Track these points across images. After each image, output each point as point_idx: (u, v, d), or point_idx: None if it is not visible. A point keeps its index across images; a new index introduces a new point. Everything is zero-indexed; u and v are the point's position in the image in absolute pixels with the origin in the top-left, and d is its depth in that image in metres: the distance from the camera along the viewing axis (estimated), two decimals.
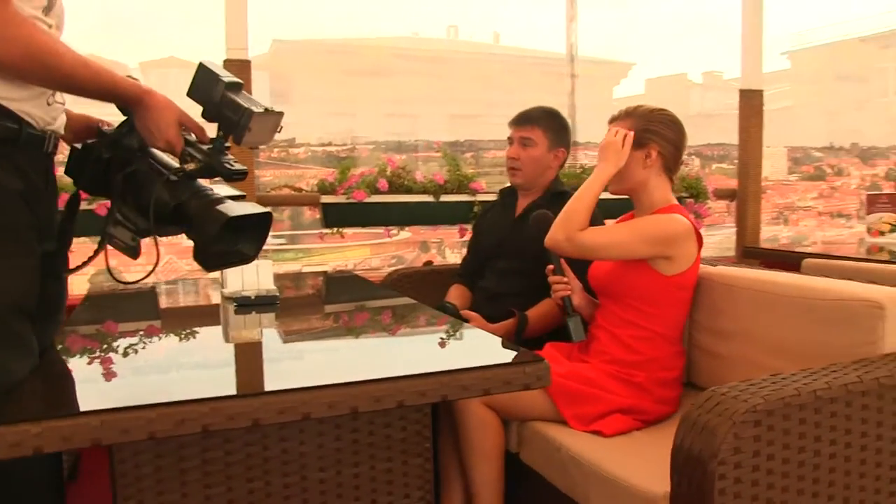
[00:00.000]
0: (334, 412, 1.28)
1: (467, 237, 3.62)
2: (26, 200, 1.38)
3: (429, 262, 3.66)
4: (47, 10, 1.43)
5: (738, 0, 4.08)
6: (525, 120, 2.63)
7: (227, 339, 1.83)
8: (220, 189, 1.52)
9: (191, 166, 1.47)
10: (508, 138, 2.68)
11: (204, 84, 1.46)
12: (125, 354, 1.58)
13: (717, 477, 1.32)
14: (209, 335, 1.91)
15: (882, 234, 3.68)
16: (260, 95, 1.56)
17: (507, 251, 2.62)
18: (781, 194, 6.56)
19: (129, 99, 1.44)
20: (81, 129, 1.62)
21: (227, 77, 1.47)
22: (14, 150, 1.35)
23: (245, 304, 2.06)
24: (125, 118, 1.51)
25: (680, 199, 3.46)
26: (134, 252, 1.49)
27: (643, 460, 1.73)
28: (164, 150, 1.49)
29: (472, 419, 1.98)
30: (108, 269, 1.46)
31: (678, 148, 2.18)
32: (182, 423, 1.19)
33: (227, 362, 1.60)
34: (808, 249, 3.61)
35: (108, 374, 1.46)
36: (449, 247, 4.60)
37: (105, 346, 1.68)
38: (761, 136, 4.09)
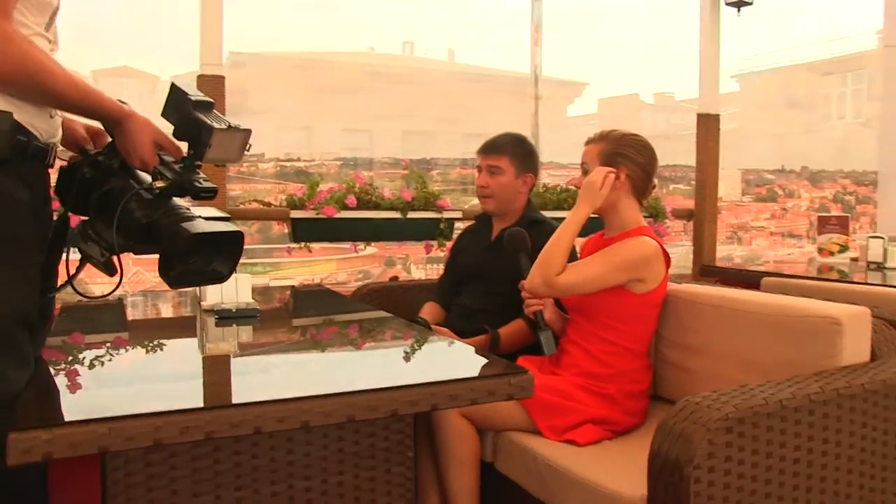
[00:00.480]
0: (331, 420, 1.34)
1: (433, 253, 3.71)
2: (33, 212, 1.41)
3: (395, 278, 3.73)
4: (48, 26, 1.47)
5: (690, 24, 4.24)
6: (492, 149, 2.72)
7: (214, 351, 1.87)
8: (202, 210, 1.55)
9: (159, 183, 1.52)
10: (477, 166, 2.77)
11: (175, 103, 1.51)
12: (102, 365, 1.61)
13: (692, 481, 1.41)
14: (193, 347, 1.95)
15: (832, 254, 3.85)
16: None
17: (483, 273, 2.71)
18: (735, 215, 6.79)
19: (112, 120, 1.49)
20: (70, 142, 1.66)
21: (196, 96, 1.52)
22: (22, 162, 1.38)
23: (225, 317, 2.10)
24: (111, 140, 1.55)
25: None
26: (108, 268, 1.52)
27: (617, 467, 1.82)
28: (140, 169, 1.53)
29: (450, 429, 2.05)
30: (71, 284, 1.50)
31: (647, 172, 2.28)
32: (186, 430, 1.24)
33: (221, 373, 1.65)
34: (762, 268, 3.76)
35: (100, 384, 1.49)
36: (414, 262, 4.67)
37: (83, 357, 1.71)
38: (717, 158, 4.25)
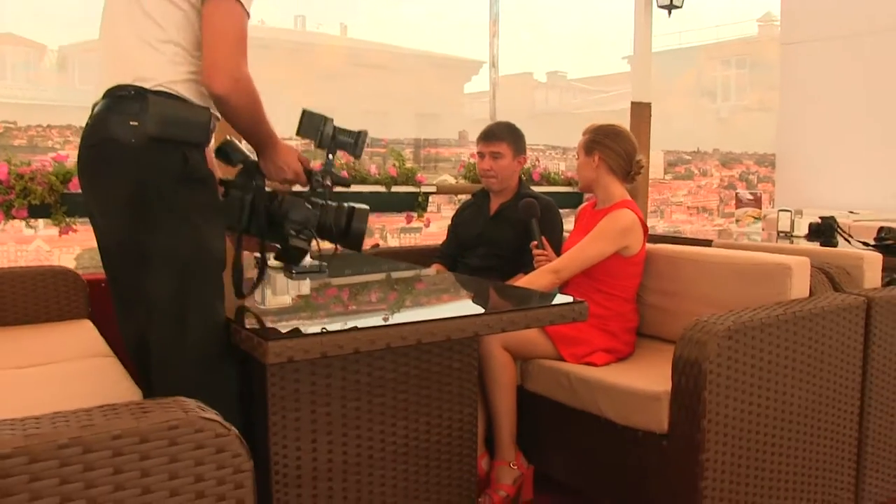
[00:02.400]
0: (462, 334, 1.89)
1: (414, 223, 4.27)
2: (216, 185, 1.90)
3: (375, 245, 4.27)
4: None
5: (577, 1, 4.94)
6: (493, 137, 3.29)
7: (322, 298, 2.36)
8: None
9: (327, 182, 2.04)
10: (478, 152, 3.33)
11: (312, 124, 1.98)
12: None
13: (708, 373, 2.04)
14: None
15: (747, 224, 4.62)
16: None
17: (486, 240, 3.29)
18: (658, 191, 7.62)
19: (270, 144, 1.93)
20: None
21: (328, 115, 2.03)
22: (206, 147, 1.87)
23: (301, 272, 2.58)
24: (241, 169, 1.98)
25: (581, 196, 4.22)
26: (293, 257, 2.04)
27: (635, 376, 2.45)
28: (290, 181, 2.02)
29: (494, 360, 2.64)
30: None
31: (618, 153, 2.89)
32: (372, 342, 1.76)
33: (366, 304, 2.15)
34: (688, 237, 4.47)
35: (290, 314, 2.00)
36: (390, 232, 5.19)
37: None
38: (649, 142, 4.95)
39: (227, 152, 1.97)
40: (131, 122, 1.74)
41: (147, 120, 1.73)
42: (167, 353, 1.78)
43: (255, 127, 1.88)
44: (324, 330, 1.72)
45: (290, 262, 2.05)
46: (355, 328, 1.76)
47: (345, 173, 3.76)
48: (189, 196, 1.79)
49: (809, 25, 6.62)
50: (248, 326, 1.77)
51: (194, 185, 1.80)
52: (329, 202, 2.06)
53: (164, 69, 1.78)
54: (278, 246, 2.04)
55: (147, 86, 1.76)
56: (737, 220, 4.71)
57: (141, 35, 1.79)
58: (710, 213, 7.77)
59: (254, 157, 1.98)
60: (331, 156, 2.04)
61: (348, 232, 2.04)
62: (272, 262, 2.10)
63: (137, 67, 1.79)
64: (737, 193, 4.85)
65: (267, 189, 2.01)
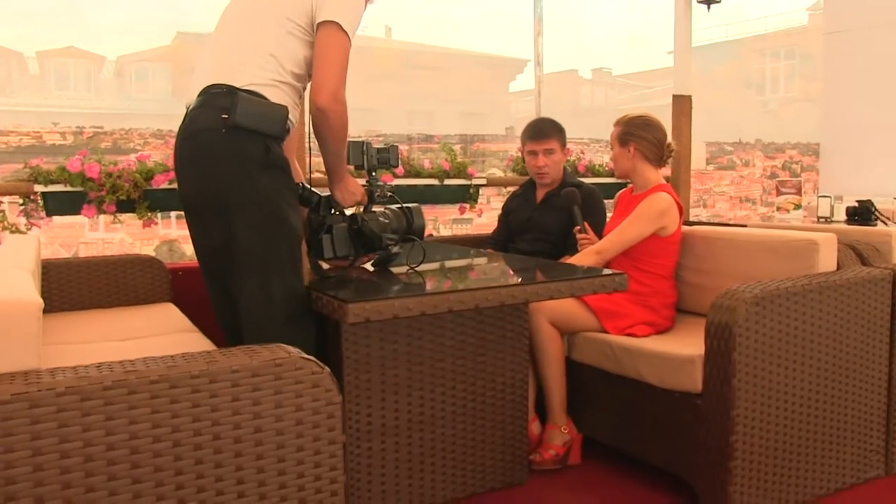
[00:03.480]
0: (514, 300, 2.14)
1: (466, 214, 4.53)
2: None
3: (429, 236, 4.53)
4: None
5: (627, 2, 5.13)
6: (544, 135, 3.53)
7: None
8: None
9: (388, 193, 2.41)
10: (530, 151, 3.56)
11: (357, 151, 2.34)
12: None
13: (737, 336, 2.27)
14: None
15: (788, 211, 4.79)
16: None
17: (534, 226, 3.54)
18: (701, 181, 7.79)
19: (341, 175, 2.29)
20: None
21: (365, 139, 2.40)
22: (283, 140, 2.16)
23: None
24: (319, 199, 2.31)
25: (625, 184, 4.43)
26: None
27: (672, 344, 2.68)
28: (356, 204, 2.36)
29: (542, 333, 2.90)
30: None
31: (651, 142, 3.12)
32: (435, 305, 2.03)
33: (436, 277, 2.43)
34: (732, 223, 4.68)
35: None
36: (442, 223, 5.47)
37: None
38: (690, 133, 5.12)
39: (302, 194, 2.29)
40: (222, 115, 2.04)
41: (236, 113, 2.03)
42: (256, 313, 2.07)
43: (339, 146, 2.19)
44: (394, 295, 1.99)
45: (386, 264, 2.37)
46: (422, 293, 2.03)
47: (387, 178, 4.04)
48: (271, 179, 2.09)
49: (853, 14, 6.70)
50: (327, 292, 2.05)
51: (275, 170, 2.11)
52: (388, 209, 2.42)
53: (254, 73, 2.09)
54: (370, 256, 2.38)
55: (237, 85, 2.07)
56: (777, 208, 4.89)
57: (246, 44, 2.11)
58: (754, 203, 7.92)
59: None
60: (374, 173, 2.40)
61: (411, 229, 2.42)
62: (369, 267, 2.43)
63: (232, 69, 2.10)
64: (777, 182, 5.02)
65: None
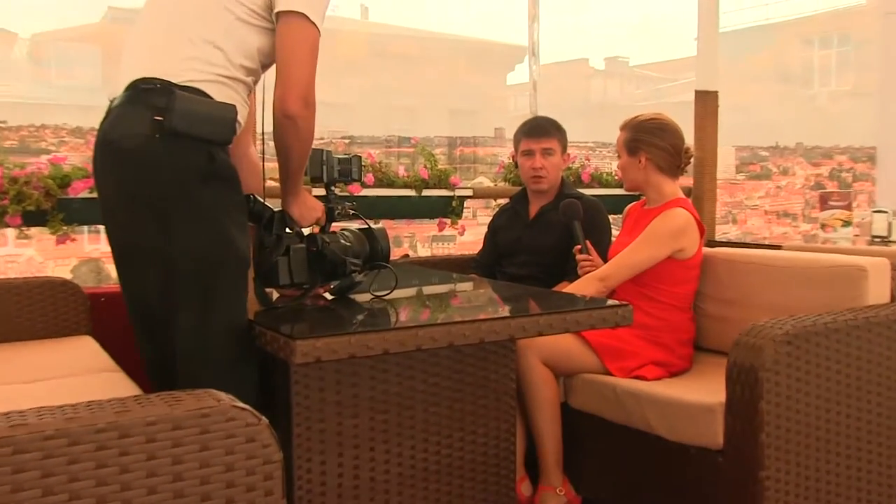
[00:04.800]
0: (498, 337, 2.12)
1: (447, 230, 4.53)
2: None
3: (405, 256, 4.52)
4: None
5: None
6: (543, 133, 3.56)
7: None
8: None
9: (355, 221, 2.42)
10: (524, 151, 3.58)
11: (315, 160, 2.33)
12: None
13: (764, 381, 2.26)
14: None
15: (835, 229, 4.80)
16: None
17: (525, 248, 3.55)
18: (730, 193, 7.81)
19: (297, 190, 2.27)
20: None
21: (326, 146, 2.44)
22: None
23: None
24: (272, 214, 2.28)
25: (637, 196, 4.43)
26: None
27: (688, 388, 2.68)
28: (314, 224, 2.35)
29: (534, 374, 2.90)
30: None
31: (665, 150, 3.13)
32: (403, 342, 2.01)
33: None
34: (766, 243, 4.68)
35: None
36: (420, 241, 5.46)
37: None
38: (716, 136, 5.11)
39: (252, 208, 2.27)
40: (156, 118, 2.00)
41: (173, 115, 1.99)
42: (190, 351, 2.04)
43: (304, 157, 2.19)
44: (352, 330, 1.97)
45: (347, 294, 2.37)
46: (384, 329, 2.00)
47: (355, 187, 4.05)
48: (214, 196, 2.06)
49: None
50: (272, 327, 2.02)
51: (220, 184, 2.08)
52: (346, 230, 2.43)
53: (195, 66, 2.06)
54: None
55: (175, 80, 2.04)
56: (822, 225, 4.89)
57: (183, 31, 2.09)
58: (794, 218, 7.92)
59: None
60: (332, 187, 2.40)
61: (375, 253, 2.41)
62: (327, 296, 2.41)
63: (168, 61, 2.07)
64: (822, 193, 5.03)
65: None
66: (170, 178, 2.01)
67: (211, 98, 2.06)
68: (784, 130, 8.37)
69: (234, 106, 2.11)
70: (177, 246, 2.01)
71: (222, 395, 1.60)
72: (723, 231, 6.70)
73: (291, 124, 2.09)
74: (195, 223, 2.02)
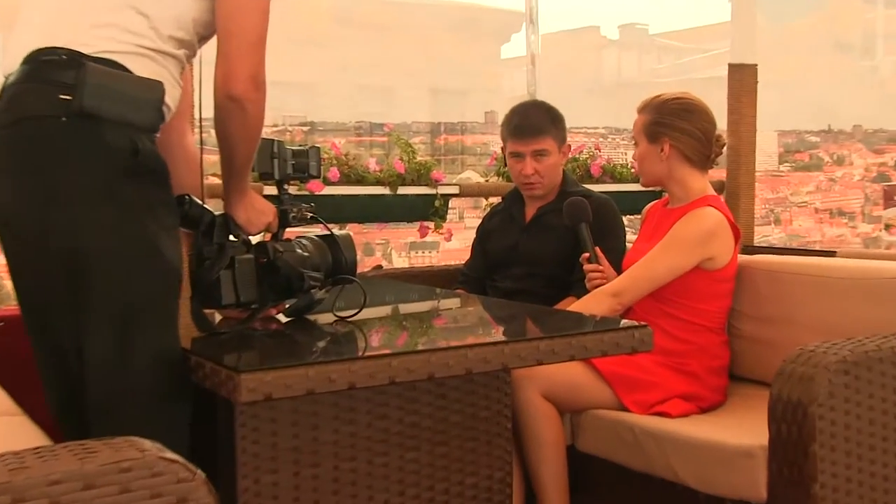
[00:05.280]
0: (489, 367, 2.08)
1: (430, 236, 4.50)
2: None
3: (378, 267, 4.49)
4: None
5: None
6: (534, 132, 3.51)
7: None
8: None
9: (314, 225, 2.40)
10: (513, 153, 3.54)
11: (265, 153, 2.30)
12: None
13: (817, 419, 2.23)
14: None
15: None
16: None
17: (522, 258, 3.52)
18: (771, 188, 7.75)
19: (242, 189, 2.24)
20: None
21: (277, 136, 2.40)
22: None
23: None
24: (213, 219, 2.23)
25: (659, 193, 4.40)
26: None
27: (723, 427, 2.66)
28: (264, 230, 2.32)
29: (534, 411, 2.86)
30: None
31: (694, 136, 3.10)
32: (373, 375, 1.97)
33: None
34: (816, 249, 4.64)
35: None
36: (396, 249, 5.42)
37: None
38: (755, 118, 5.08)
39: (187, 212, 2.23)
40: (61, 96, 1.93)
41: (83, 93, 1.93)
42: (106, 386, 1.98)
43: (251, 148, 2.17)
44: (311, 359, 1.93)
45: (304, 314, 2.34)
46: (350, 357, 1.96)
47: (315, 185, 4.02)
48: (137, 194, 1.99)
49: None
50: (212, 357, 1.97)
51: (144, 179, 2.01)
52: (304, 237, 2.41)
53: (112, 35, 2.00)
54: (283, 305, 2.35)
55: (86, 51, 1.99)
56: (886, 226, 4.87)
57: None
58: (851, 218, 7.86)
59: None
60: (286, 185, 2.38)
61: (339, 266, 2.39)
62: (281, 317, 2.38)
63: (77, 28, 2.01)
64: (886, 188, 5.00)
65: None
66: (80, 172, 1.95)
67: (130, 73, 2.02)
68: (838, 110, 8.24)
69: (161, 83, 2.05)
70: (89, 256, 1.95)
71: (147, 443, 1.55)
72: (763, 234, 6.65)
73: (237, 109, 2.05)
74: (112, 228, 1.96)
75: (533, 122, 3.54)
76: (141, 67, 2.03)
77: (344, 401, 2.26)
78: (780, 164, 8.16)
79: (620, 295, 2.95)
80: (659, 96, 3.16)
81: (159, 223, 2.04)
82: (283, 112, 5.67)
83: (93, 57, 1.97)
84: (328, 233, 2.42)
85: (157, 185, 2.06)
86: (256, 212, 2.29)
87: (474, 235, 3.85)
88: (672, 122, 3.08)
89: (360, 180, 4.28)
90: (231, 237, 2.26)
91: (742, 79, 5.03)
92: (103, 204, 1.96)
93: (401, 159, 4.37)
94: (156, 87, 2.04)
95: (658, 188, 3.23)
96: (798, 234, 7.60)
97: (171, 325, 2.07)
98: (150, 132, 2.06)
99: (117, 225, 1.97)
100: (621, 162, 5.01)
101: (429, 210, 4.40)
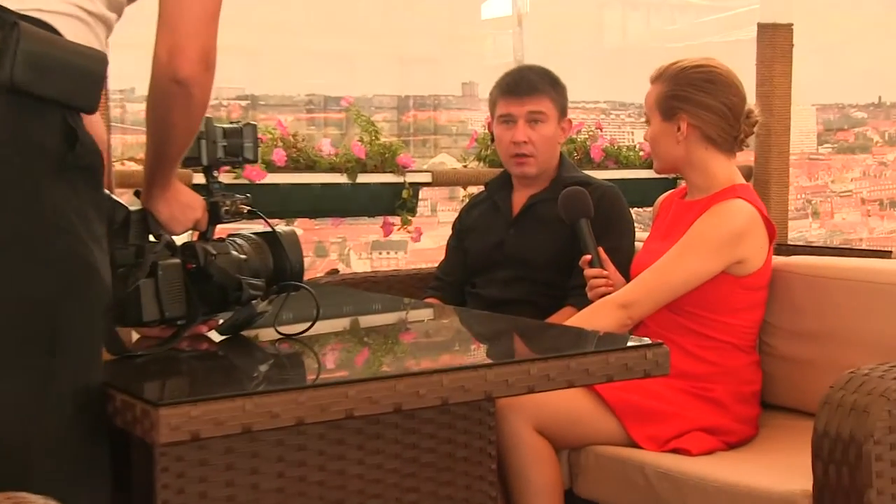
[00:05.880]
0: (468, 396, 2.05)
1: (396, 235, 4.47)
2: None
3: (334, 271, 4.46)
4: None
5: None
6: (529, 89, 3.49)
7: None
8: None
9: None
10: (502, 117, 3.52)
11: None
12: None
13: (874, 458, 2.19)
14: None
15: None
16: None
17: (509, 259, 3.50)
18: (809, 174, 7.72)
19: (167, 181, 2.22)
20: None
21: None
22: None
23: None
24: (127, 216, 2.22)
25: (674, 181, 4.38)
26: None
27: (754, 469, 2.63)
28: (189, 229, 2.29)
29: (525, 449, 2.82)
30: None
31: (719, 112, 3.06)
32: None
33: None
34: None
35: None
36: (355, 250, 5.38)
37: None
38: (789, 90, 5.07)
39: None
40: None
41: (15, 61, 1.84)
42: (16, 428, 1.92)
43: (189, 139, 2.15)
44: (249, 389, 1.90)
45: (243, 331, 2.33)
46: (297, 387, 1.91)
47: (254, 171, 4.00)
48: (70, 193, 1.92)
49: None
50: (124, 387, 1.93)
51: (79, 176, 1.95)
52: (239, 236, 2.38)
53: None
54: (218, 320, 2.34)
55: (13, 7, 1.90)
56: None
57: None
58: None
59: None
60: (216, 172, 2.36)
61: (282, 271, 2.36)
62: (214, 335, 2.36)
63: None
64: None
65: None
66: (3, 164, 1.88)
67: (63, 37, 1.96)
68: (891, 81, 8.22)
69: (106, 56, 1.99)
70: (4, 274, 1.87)
71: (38, 499, 1.50)
72: (798, 229, 6.63)
73: (183, 94, 2.00)
74: (36, 236, 1.89)
75: (528, 78, 3.53)
76: (73, 32, 1.96)
77: (291, 439, 2.22)
78: (819, 145, 8.13)
79: (630, 307, 2.92)
80: (676, 63, 3.12)
81: (91, 234, 1.97)
82: (217, 83, 5.62)
83: (22, 15, 1.90)
84: (268, 230, 2.38)
85: (91, 184, 1.99)
86: (182, 206, 2.26)
87: (450, 232, 3.83)
88: (692, 96, 3.05)
89: (312, 166, 4.29)
90: (151, 238, 2.24)
91: (774, 42, 5.02)
92: (26, 207, 1.89)
93: (361, 140, 4.37)
94: (100, 60, 1.96)
95: (674, 175, 3.18)
96: (841, 230, 7.56)
97: (98, 355, 2.02)
98: (89, 113, 2.02)
99: (41, 234, 1.90)
100: (627, 143, 5.00)
101: (395, 202, 4.42)
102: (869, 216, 8.00)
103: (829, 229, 7.62)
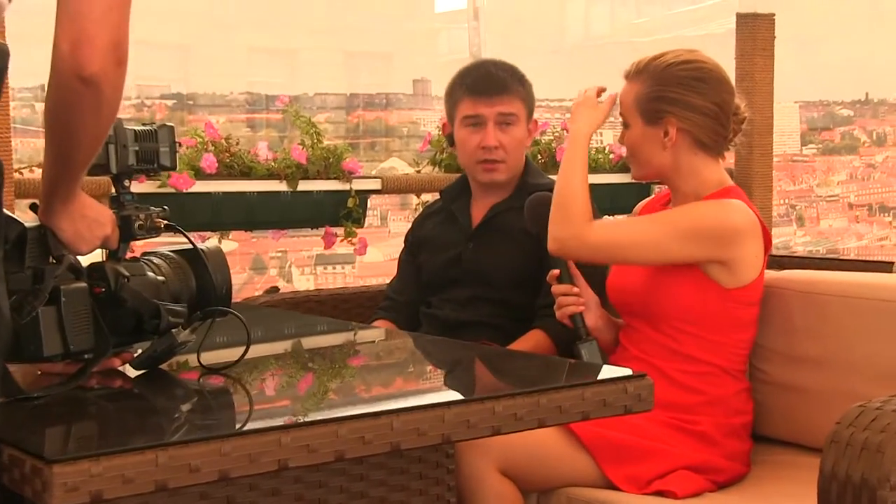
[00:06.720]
0: (424, 441, 1.91)
1: (340, 248, 4.35)
2: None
3: (273, 289, 4.35)
4: None
5: None
6: (500, 88, 3.38)
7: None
8: None
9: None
10: (468, 119, 3.39)
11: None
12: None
13: None
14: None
15: None
16: None
17: (468, 276, 3.39)
18: (791, 176, 7.69)
19: (72, 194, 2.07)
20: None
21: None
22: None
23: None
24: (24, 233, 2.09)
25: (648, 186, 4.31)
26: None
27: None
28: (96, 248, 2.17)
29: (488, 494, 2.68)
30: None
31: (710, 114, 2.92)
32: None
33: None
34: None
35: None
36: (297, 265, 5.25)
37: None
38: (771, 86, 5.00)
39: None
40: None
41: None
42: None
43: (98, 143, 2.02)
44: (164, 439, 1.75)
45: (162, 363, 2.22)
46: (222, 435, 1.78)
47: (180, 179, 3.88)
48: None
49: None
50: (12, 439, 1.77)
51: None
52: (156, 255, 2.29)
53: None
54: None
55: None
56: None
57: None
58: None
59: None
60: (127, 182, 2.25)
61: (206, 293, 2.27)
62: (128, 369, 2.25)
63: None
64: None
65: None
66: None
67: None
68: (879, 76, 8.22)
69: (7, 46, 1.91)
70: None
71: None
72: (781, 237, 6.55)
73: (90, 92, 1.89)
74: None
75: (497, 76, 3.43)
76: None
77: (217, 493, 2.11)
78: (803, 145, 8.12)
79: (589, 229, 2.85)
80: (659, 58, 2.97)
81: None
82: (139, 80, 5.52)
83: None
84: (190, 246, 2.28)
85: None
86: (88, 222, 2.14)
87: (402, 245, 3.72)
88: (681, 97, 2.90)
89: (247, 173, 4.22)
90: (51, 259, 2.12)
91: (754, 34, 4.99)
92: None
93: (301, 144, 4.32)
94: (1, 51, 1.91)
95: (656, 182, 3.02)
96: (827, 238, 7.53)
97: None
98: None
99: None
100: (596, 145, 4.88)
101: (340, 211, 4.33)
102: (857, 222, 8.01)
103: (814, 237, 7.60)
